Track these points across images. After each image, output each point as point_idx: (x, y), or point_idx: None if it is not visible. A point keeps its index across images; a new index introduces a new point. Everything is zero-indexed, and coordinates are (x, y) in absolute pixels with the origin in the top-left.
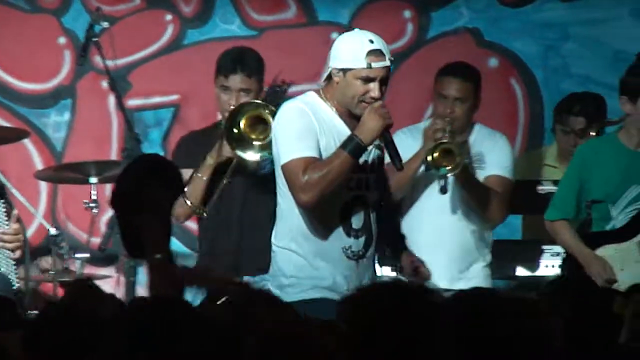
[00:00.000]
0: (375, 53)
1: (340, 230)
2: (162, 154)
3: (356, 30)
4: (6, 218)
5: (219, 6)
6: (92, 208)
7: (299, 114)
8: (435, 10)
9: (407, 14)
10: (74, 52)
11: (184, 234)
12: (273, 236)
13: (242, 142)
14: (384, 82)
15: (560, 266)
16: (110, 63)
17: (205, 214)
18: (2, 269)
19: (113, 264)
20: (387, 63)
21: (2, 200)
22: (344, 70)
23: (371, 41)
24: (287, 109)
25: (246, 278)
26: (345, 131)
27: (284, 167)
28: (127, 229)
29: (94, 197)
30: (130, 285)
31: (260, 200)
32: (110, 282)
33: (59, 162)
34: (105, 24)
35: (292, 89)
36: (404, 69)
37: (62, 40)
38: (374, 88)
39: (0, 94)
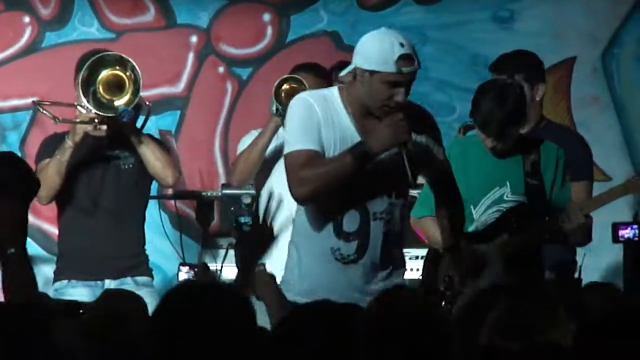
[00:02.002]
0: (406, 57)
1: (330, 230)
2: (20, 155)
3: (384, 29)
4: None
5: (77, 8)
6: None
7: (302, 106)
8: (294, 13)
9: (267, 17)
10: None
11: (44, 238)
12: None
13: (100, 104)
14: (409, 86)
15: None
16: None
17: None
18: None
19: None
20: (417, 67)
21: None
22: (371, 72)
23: (402, 45)
24: (295, 100)
25: (107, 281)
26: (353, 133)
27: (285, 157)
28: None
29: None
30: None
31: (123, 198)
32: None
33: None
34: None
35: (154, 92)
36: (263, 71)
37: None
38: (399, 93)
39: None
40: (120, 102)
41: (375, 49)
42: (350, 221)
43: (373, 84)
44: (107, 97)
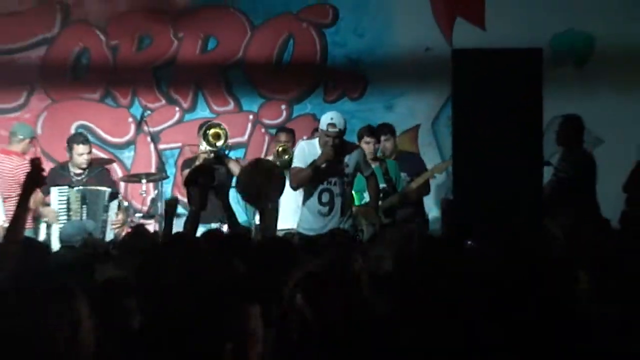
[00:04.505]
0: (331, 124)
1: (316, 201)
2: (173, 170)
3: (332, 112)
4: (117, 211)
5: (199, 103)
6: (143, 193)
7: (300, 147)
8: (295, 104)
9: (283, 106)
10: (135, 125)
11: None
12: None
13: (210, 144)
14: (337, 138)
15: None
16: (151, 129)
17: None
18: (109, 236)
19: (153, 219)
20: (337, 130)
21: (117, 199)
22: (320, 129)
23: (332, 118)
24: (298, 144)
25: None
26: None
27: (290, 169)
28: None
29: (144, 188)
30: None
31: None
32: (151, 228)
33: (128, 173)
34: (149, 112)
35: (233, 140)
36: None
37: (129, 119)
38: (329, 141)
39: (102, 143)
40: (219, 143)
41: (322, 119)
42: (325, 196)
43: (320, 135)
44: (213, 141)
